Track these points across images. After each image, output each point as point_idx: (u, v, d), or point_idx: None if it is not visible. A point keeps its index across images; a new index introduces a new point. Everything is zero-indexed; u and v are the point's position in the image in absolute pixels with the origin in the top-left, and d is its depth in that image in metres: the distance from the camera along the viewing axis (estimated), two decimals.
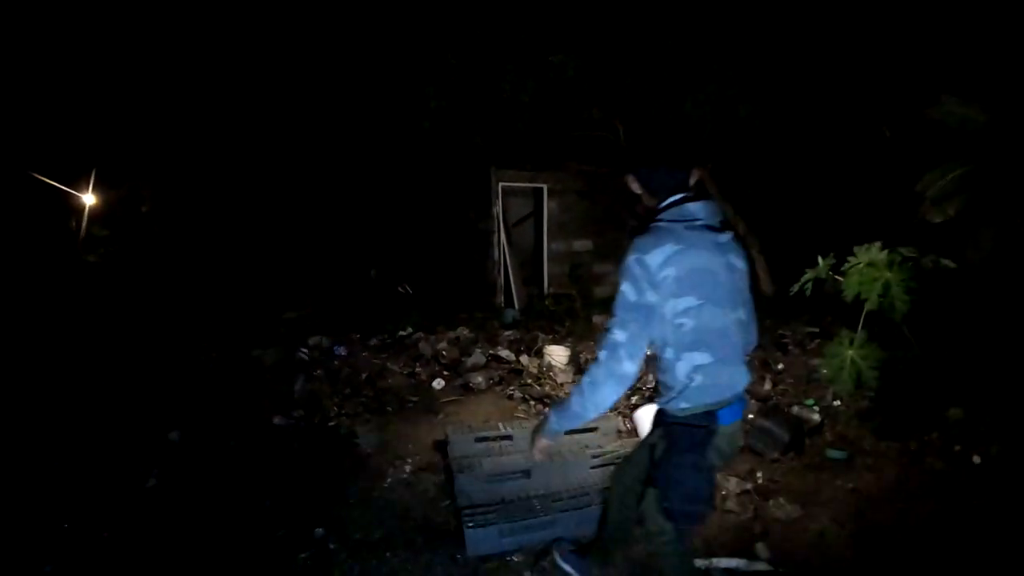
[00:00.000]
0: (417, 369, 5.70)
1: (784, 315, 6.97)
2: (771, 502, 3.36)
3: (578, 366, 5.62)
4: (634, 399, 4.85)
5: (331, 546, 2.96)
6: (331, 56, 9.20)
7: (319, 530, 3.08)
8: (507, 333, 7.09)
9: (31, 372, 5.18)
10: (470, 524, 2.86)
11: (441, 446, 3.98)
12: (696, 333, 1.71)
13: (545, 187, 8.65)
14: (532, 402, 4.88)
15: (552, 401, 4.84)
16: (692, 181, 1.89)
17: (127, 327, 6.68)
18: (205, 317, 7.28)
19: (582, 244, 9.13)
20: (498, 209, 8.32)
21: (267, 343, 6.09)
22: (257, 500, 3.35)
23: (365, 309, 7.64)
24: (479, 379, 5.30)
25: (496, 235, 8.42)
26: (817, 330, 6.35)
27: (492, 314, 8.02)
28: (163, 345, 6.18)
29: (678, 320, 1.70)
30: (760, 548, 2.93)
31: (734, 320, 1.80)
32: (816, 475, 3.72)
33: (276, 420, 4.39)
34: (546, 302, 8.70)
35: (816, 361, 5.21)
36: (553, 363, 5.52)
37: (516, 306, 8.40)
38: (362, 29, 8.75)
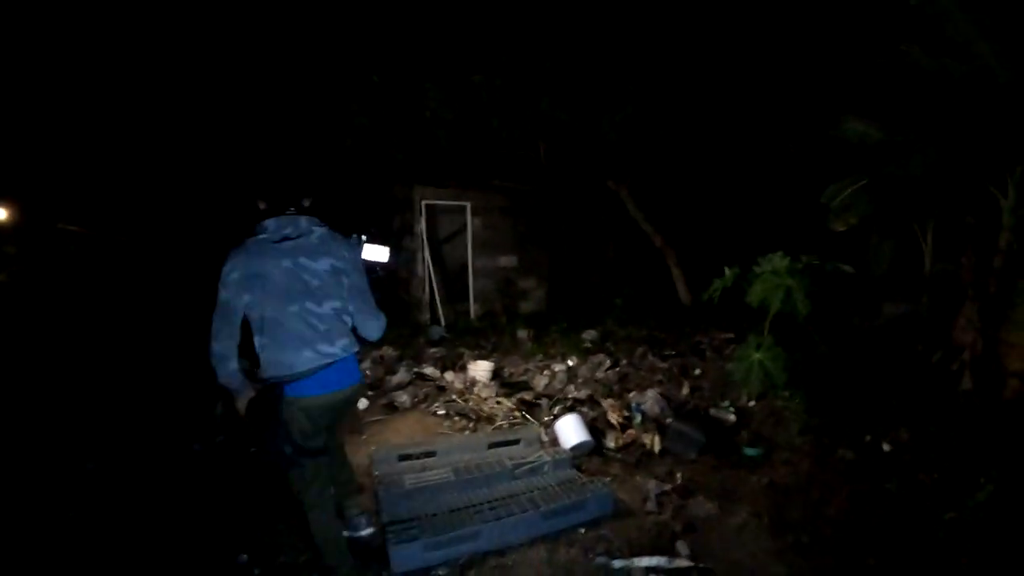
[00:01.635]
0: None
1: (703, 323, 7.47)
2: (690, 501, 3.66)
3: (502, 380, 5.80)
4: (555, 410, 5.08)
5: (255, 571, 2.99)
6: (253, 73, 9.07)
7: (243, 556, 3.09)
8: (433, 350, 7.18)
9: None
10: (393, 540, 2.96)
11: (366, 467, 4.05)
12: (259, 321, 2.29)
13: (469, 205, 8.82)
14: (456, 417, 5.00)
15: (475, 414, 5.00)
16: (302, 200, 2.43)
17: (37, 349, 6.29)
18: (120, 338, 6.95)
19: (507, 260, 9.35)
20: (421, 227, 8.41)
21: (186, 365, 5.91)
22: (179, 531, 3.30)
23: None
24: (404, 397, 5.37)
25: (420, 252, 8.50)
26: (733, 335, 6.84)
27: (418, 332, 8.10)
28: (76, 370, 5.88)
29: (246, 311, 2.28)
30: (680, 545, 3.17)
31: (312, 307, 2.31)
32: (734, 473, 4.06)
33: (195, 447, 4.32)
34: (471, 318, 8.86)
35: (731, 365, 5.65)
36: (477, 378, 5.67)
37: (442, 323, 8.50)
38: (286, 46, 8.70)
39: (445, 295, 8.83)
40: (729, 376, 5.33)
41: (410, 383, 5.79)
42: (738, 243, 7.06)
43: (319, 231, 2.42)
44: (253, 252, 2.26)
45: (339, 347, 2.40)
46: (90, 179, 9.22)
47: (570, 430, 4.38)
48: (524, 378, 5.94)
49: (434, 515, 3.24)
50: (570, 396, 5.40)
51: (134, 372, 5.88)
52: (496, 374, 5.84)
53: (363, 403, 5.31)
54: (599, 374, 5.99)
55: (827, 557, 3.09)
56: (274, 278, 2.25)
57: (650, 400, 4.97)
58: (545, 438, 4.53)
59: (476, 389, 5.43)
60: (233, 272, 2.23)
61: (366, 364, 6.21)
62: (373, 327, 2.56)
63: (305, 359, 2.31)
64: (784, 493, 3.75)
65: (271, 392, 2.38)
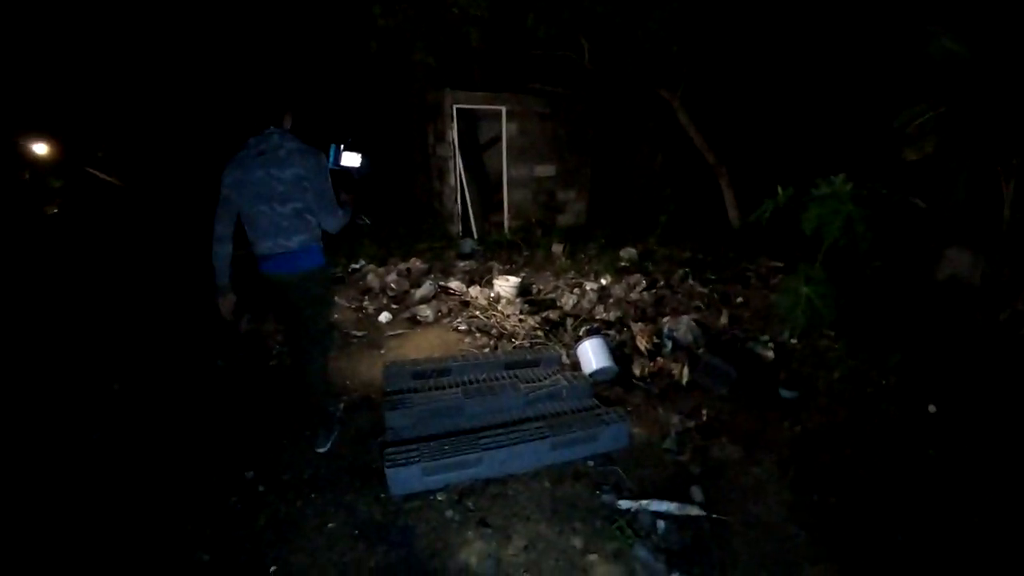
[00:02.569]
0: (365, 303, 5.64)
1: (751, 248, 6.95)
2: (714, 442, 3.42)
3: (529, 296, 5.61)
4: (581, 331, 4.87)
5: (260, 488, 3.00)
6: None
7: (249, 473, 3.11)
8: (463, 264, 7.02)
9: None
10: (390, 463, 2.89)
11: (377, 383, 4.00)
12: (244, 216, 2.87)
13: (504, 109, 8.31)
14: (478, 334, 4.87)
15: (497, 331, 4.85)
16: (282, 118, 2.94)
17: (82, 275, 6.44)
18: (158, 259, 7.04)
19: (544, 170, 8.89)
20: (453, 134, 8.01)
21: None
22: (194, 446, 3.35)
23: None
24: (427, 312, 5.27)
25: (452, 161, 8.16)
26: (781, 264, 6.35)
27: (449, 244, 7.92)
28: (115, 291, 5.99)
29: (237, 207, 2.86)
30: (695, 491, 2.97)
31: (276, 207, 2.83)
32: (764, 415, 3.73)
33: (219, 362, 4.36)
34: (505, 231, 8.58)
35: (776, 296, 5.24)
36: (502, 294, 5.50)
37: (475, 236, 8.28)
38: None
39: (478, 207, 8.54)
40: (773, 308, 4.95)
41: (434, 297, 5.67)
42: (796, 164, 6.33)
43: (288, 146, 2.86)
44: (237, 163, 2.84)
45: (295, 241, 2.93)
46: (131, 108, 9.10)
47: (592, 354, 4.17)
48: (552, 296, 5.72)
49: (438, 438, 3.15)
50: (598, 317, 5.17)
51: (167, 294, 5.94)
52: (523, 290, 5.64)
53: (385, 316, 5.26)
54: (633, 295, 5.70)
55: (851, 525, 2.79)
56: (251, 184, 2.82)
57: (684, 327, 4.66)
58: (566, 361, 4.37)
59: (500, 305, 5.26)
60: (227, 177, 2.83)
61: (392, 277, 6.11)
62: (330, 222, 3.00)
63: (267, 247, 2.92)
64: (816, 445, 3.42)
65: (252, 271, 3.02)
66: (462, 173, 8.24)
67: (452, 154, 8.19)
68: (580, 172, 9.28)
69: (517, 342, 4.64)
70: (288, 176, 2.82)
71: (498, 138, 8.66)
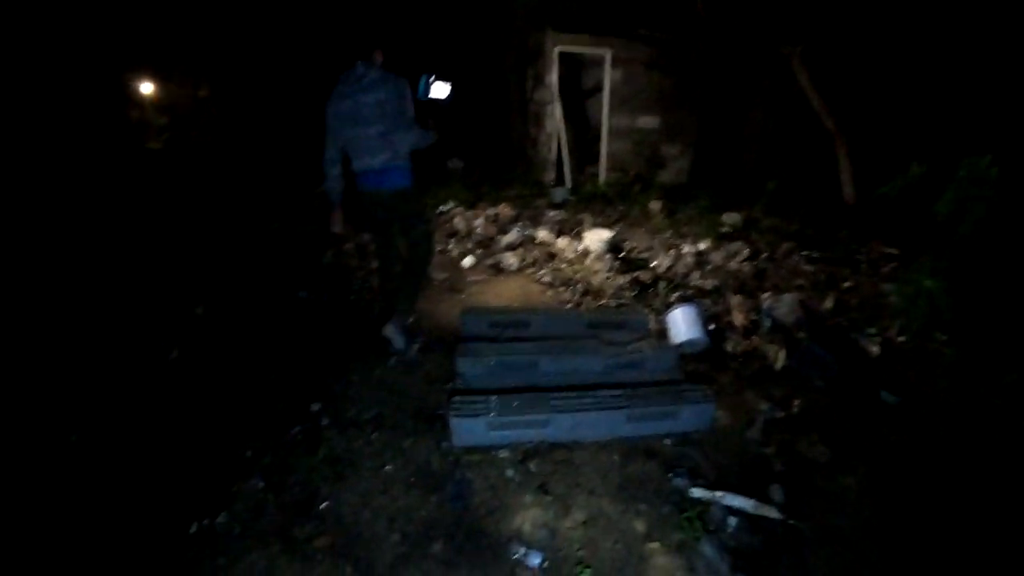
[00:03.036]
0: (450, 246, 5.50)
1: (863, 229, 6.13)
2: (802, 439, 2.99)
3: (620, 254, 5.24)
4: (673, 297, 4.47)
5: (323, 422, 2.92)
6: None
7: (315, 406, 3.04)
8: (553, 214, 6.72)
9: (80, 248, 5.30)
10: (456, 412, 2.71)
11: (454, 327, 3.84)
12: (343, 140, 3.22)
13: (609, 54, 7.76)
14: (561, 288, 4.60)
15: (583, 287, 4.56)
16: (373, 53, 3.20)
17: (181, 207, 6.70)
18: (252, 192, 7.22)
19: (647, 121, 8.31)
20: (553, 78, 7.58)
21: (300, 215, 6.00)
22: (266, 373, 3.34)
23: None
24: (511, 260, 5.05)
25: (551, 106, 7.76)
26: (896, 251, 5.56)
27: (540, 192, 7.61)
28: (209, 222, 6.18)
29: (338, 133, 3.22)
30: (775, 490, 2.59)
31: (366, 131, 3.14)
32: (861, 417, 3.23)
33: (301, 294, 4.36)
34: (601, 183, 8.14)
35: (888, 286, 4.61)
36: (591, 248, 5.17)
37: (568, 185, 7.91)
38: None
39: (574, 156, 8.13)
40: (884, 299, 4.33)
41: (520, 245, 5.44)
42: (926, 141, 5.53)
43: (371, 76, 3.15)
44: (335, 94, 3.21)
45: (379, 160, 3.21)
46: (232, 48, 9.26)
47: (684, 322, 3.77)
48: (645, 256, 5.32)
49: (509, 392, 2.93)
50: (693, 284, 4.74)
51: (257, 227, 6.04)
52: (614, 247, 5.28)
53: (468, 261, 5.09)
54: (732, 264, 5.19)
55: (940, 556, 2.32)
56: (344, 112, 3.17)
57: (786, 307, 4.13)
58: (654, 326, 4.01)
59: (588, 260, 4.95)
60: (329, 107, 3.22)
61: (479, 222, 5.92)
62: (407, 138, 3.24)
63: (359, 165, 3.27)
64: (916, 461, 2.88)
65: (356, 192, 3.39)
66: (561, 119, 7.83)
67: (551, 99, 7.80)
68: (685, 127, 8.62)
69: (603, 301, 4.33)
70: (371, 101, 3.12)
71: (600, 86, 8.14)
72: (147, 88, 9.13)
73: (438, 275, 4.82)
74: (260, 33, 9.15)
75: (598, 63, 8.04)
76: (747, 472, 2.74)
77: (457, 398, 2.82)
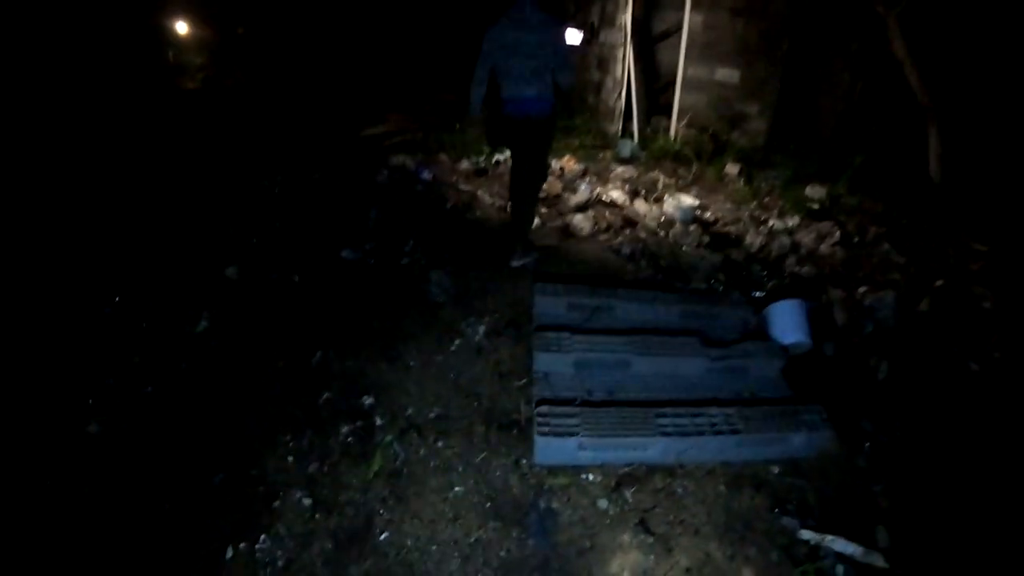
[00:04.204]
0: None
1: (950, 217, 5.32)
2: (911, 470, 2.46)
3: (705, 225, 4.61)
4: (770, 284, 3.87)
5: (378, 421, 2.48)
6: None
7: (368, 399, 2.60)
8: (621, 169, 6.05)
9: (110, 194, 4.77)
10: (544, 429, 2.23)
11: (524, 305, 3.33)
12: (498, 67, 3.51)
13: None
14: (643, 262, 4.02)
15: (671, 263, 3.98)
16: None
17: (216, 151, 6.14)
18: (291, 137, 6.63)
19: (726, 74, 7.40)
20: (626, 18, 6.75)
21: (343, 164, 5.44)
22: (308, 352, 2.89)
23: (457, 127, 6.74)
24: (583, 223, 4.46)
25: (621, 49, 6.95)
26: (985, 249, 4.77)
27: (605, 144, 6.90)
28: (244, 170, 5.60)
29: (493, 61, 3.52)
30: (881, 533, 2.12)
31: (524, 63, 3.44)
32: (984, 449, 2.65)
33: (344, 254, 3.86)
34: (672, 139, 7.38)
35: (982, 290, 3.98)
36: (676, 218, 4.55)
37: (635, 138, 7.17)
38: None
39: (644, 106, 7.34)
40: (979, 302, 3.72)
41: (591, 205, 4.83)
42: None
43: (538, 17, 3.44)
44: (499, 26, 3.44)
45: (532, 90, 3.50)
46: None
47: (789, 321, 3.21)
48: (732, 229, 4.68)
49: (599, 403, 2.44)
50: (789, 270, 4.12)
51: (294, 176, 5.47)
52: (699, 217, 4.64)
53: (536, 221, 4.47)
54: (823, 248, 4.51)
55: None
56: (506, 42, 3.42)
57: (887, 308, 3.54)
58: (751, 321, 3.44)
59: (674, 231, 4.34)
60: (490, 35, 3.45)
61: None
62: (565, 77, 3.59)
63: (511, 92, 3.53)
64: None
65: (497, 112, 3.65)
66: (631, 65, 7.03)
67: (623, 41, 6.97)
68: (767, 84, 7.67)
69: (692, 283, 3.75)
70: (534, 40, 3.43)
71: (673, 29, 7.26)
72: (182, 28, 8.59)
73: (499, 238, 4.27)
74: None
75: (673, 4, 7.15)
76: (854, 508, 2.26)
77: (543, 409, 2.34)
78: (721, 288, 3.74)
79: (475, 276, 3.68)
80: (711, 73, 7.33)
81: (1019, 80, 6.16)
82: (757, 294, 3.69)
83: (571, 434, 2.22)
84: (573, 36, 3.55)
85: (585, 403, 2.45)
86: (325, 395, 2.60)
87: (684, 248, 4.11)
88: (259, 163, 5.54)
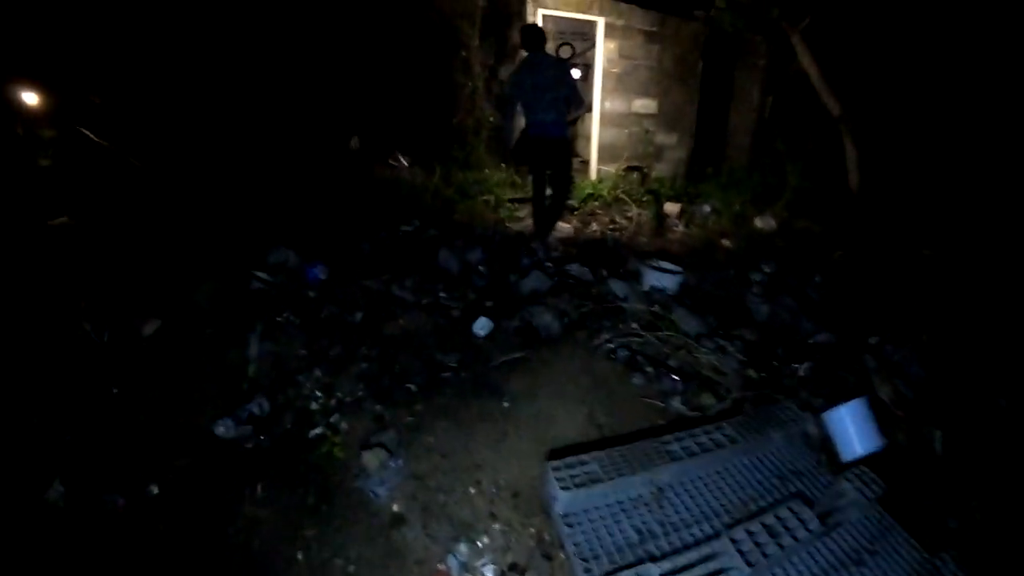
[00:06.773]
0: (442, 295, 3.65)
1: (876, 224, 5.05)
2: None
3: (693, 294, 3.67)
4: (802, 369, 2.97)
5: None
6: None
7: None
8: (560, 225, 5.06)
9: None
10: None
11: (533, 494, 2.11)
12: (522, 102, 4.41)
13: (602, 22, 6.09)
14: (649, 370, 2.93)
15: (683, 365, 2.94)
16: (544, 45, 4.41)
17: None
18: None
19: (644, 105, 6.72)
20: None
21: (200, 273, 3.69)
22: None
23: (348, 198, 5.21)
24: (547, 317, 3.30)
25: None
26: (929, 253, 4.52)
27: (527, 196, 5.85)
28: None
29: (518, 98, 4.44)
30: None
31: (543, 96, 4.29)
32: None
33: (219, 429, 2.38)
34: (593, 180, 6.52)
35: None
36: (667, 288, 3.55)
37: None
38: None
39: None
40: None
41: (551, 290, 3.72)
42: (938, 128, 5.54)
43: (550, 59, 4.42)
44: (521, 69, 4.39)
45: (549, 117, 4.34)
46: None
47: (860, 427, 2.44)
48: (723, 294, 3.78)
49: None
50: (810, 340, 3.27)
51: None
52: (688, 289, 3.70)
53: (483, 326, 3.21)
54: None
55: None
56: (527, 82, 4.31)
57: (915, 364, 3.07)
58: (813, 432, 2.50)
59: (669, 322, 3.30)
60: (513, 77, 4.43)
61: (475, 254, 4.13)
62: (575, 103, 4.43)
63: (533, 119, 4.40)
64: None
65: (523, 135, 4.56)
66: None
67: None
68: (684, 112, 7.17)
69: (722, 399, 2.72)
70: (550, 76, 4.27)
71: (581, 61, 6.50)
72: (31, 98, 6.67)
73: (443, 359, 2.98)
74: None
75: (580, 33, 6.37)
76: None
77: None
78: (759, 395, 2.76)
79: (435, 441, 2.39)
80: (629, 105, 6.66)
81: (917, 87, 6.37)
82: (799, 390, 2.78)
83: None
84: (575, 73, 3.75)
85: None
86: None
87: (691, 348, 3.06)
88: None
